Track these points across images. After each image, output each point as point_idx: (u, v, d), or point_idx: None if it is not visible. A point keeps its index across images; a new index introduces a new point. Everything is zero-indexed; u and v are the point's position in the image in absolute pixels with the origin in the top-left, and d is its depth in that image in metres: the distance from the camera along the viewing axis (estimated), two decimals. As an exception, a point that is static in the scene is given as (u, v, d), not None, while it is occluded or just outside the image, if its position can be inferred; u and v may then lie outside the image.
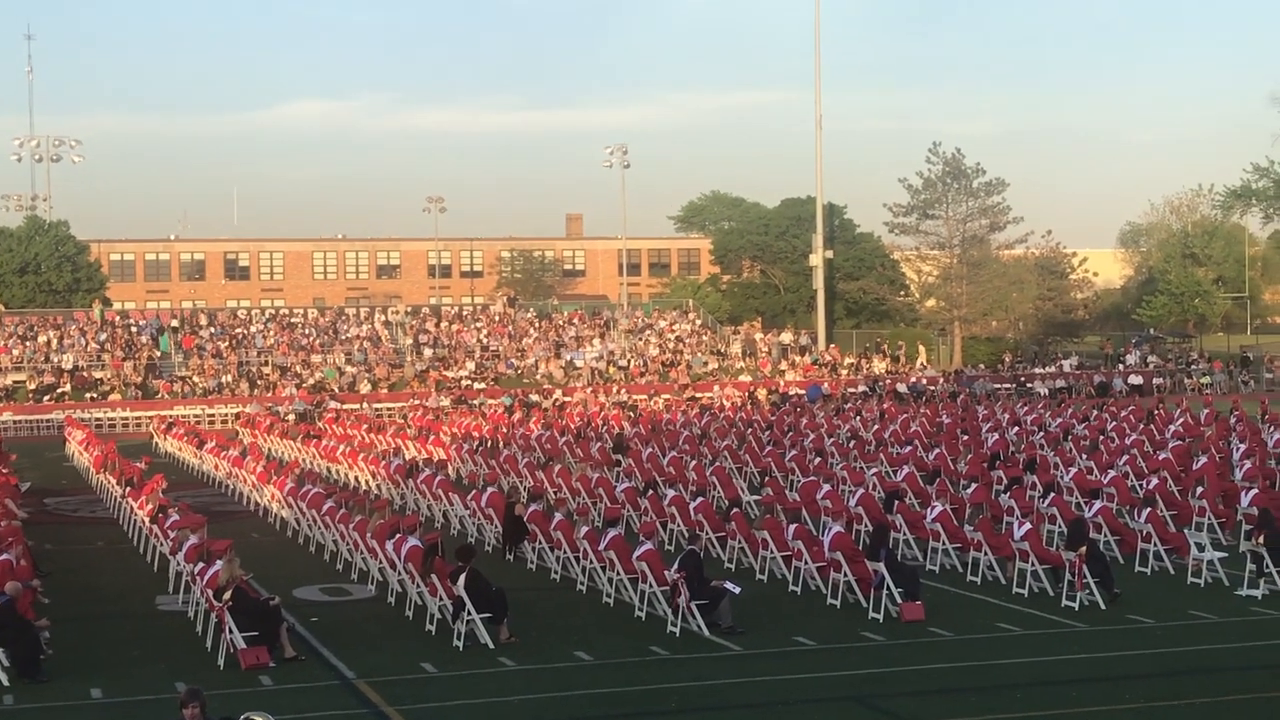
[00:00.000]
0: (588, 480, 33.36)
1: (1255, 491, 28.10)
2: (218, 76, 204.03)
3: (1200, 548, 24.47)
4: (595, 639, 21.08)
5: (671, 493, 30.46)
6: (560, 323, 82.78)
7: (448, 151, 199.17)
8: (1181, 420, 44.65)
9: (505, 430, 49.79)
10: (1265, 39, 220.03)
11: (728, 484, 33.93)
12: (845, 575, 22.81)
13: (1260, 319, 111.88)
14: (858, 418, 49.93)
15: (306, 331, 77.98)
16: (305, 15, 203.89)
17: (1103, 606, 22.19)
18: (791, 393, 67.75)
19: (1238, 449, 36.97)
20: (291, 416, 60.70)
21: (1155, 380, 74.77)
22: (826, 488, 30.11)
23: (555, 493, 32.61)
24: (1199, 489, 29.36)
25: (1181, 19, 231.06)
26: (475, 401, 65.08)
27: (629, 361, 75.36)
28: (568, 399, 65.76)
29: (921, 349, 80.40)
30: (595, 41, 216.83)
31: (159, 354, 72.84)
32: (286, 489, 32.70)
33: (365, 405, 64.60)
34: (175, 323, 77.90)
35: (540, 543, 26.91)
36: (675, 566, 21.73)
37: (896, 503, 28.30)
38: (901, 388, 69.55)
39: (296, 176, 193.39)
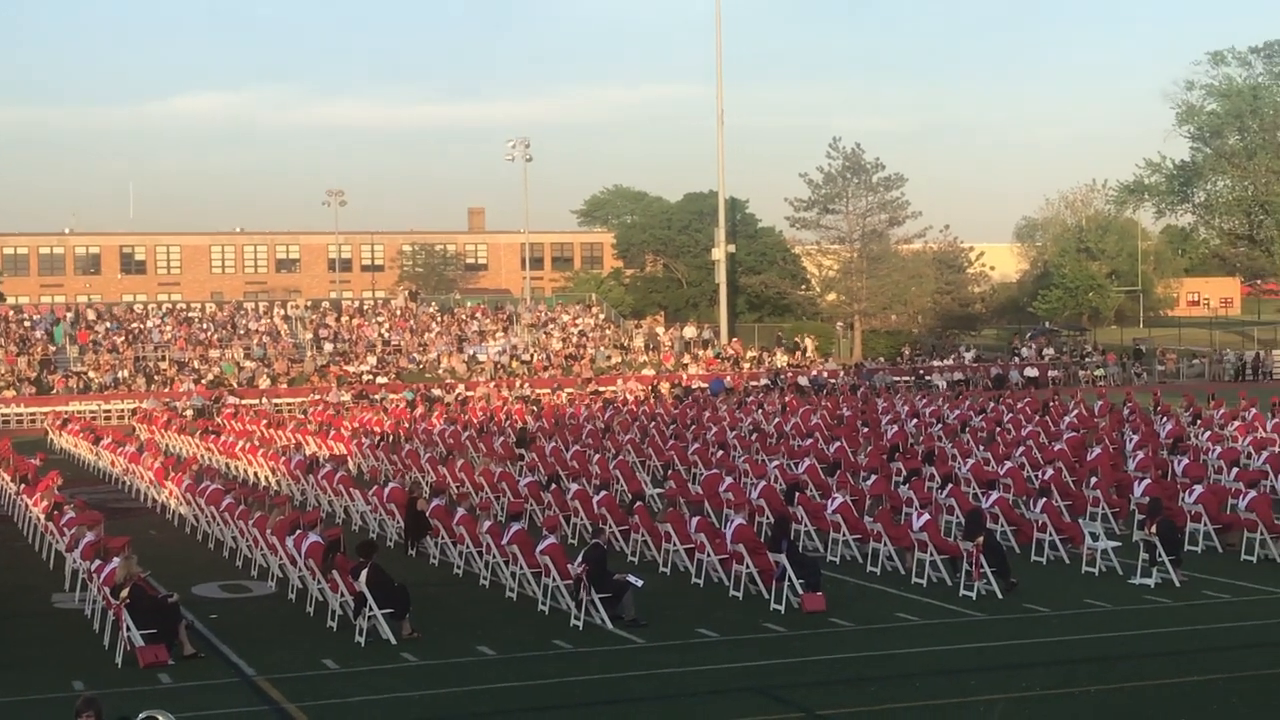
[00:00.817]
0: (491, 475, 33.32)
1: (1147, 481, 28.64)
2: (112, 68, 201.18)
3: (1094, 537, 24.89)
4: (498, 633, 21.07)
5: (575, 486, 30.49)
6: (463, 317, 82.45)
7: (348, 144, 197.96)
8: (1076, 412, 45.37)
9: (407, 425, 49.59)
10: (1158, 37, 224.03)
11: (631, 477, 34.01)
12: (747, 567, 22.96)
13: (1152, 312, 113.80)
14: (760, 411, 50.23)
15: (204, 326, 77.06)
16: (201, 5, 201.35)
17: (1000, 596, 22.51)
18: (694, 386, 68.00)
19: (1131, 440, 37.62)
20: (189, 412, 59.99)
21: (1050, 373, 75.89)
22: (729, 480, 30.31)
23: (458, 487, 32.53)
24: (1093, 479, 29.87)
25: (1077, 17, 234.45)
26: (376, 396, 64.69)
27: (532, 356, 75.24)
28: (470, 393, 65.51)
29: (809, 342, 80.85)
30: (497, 35, 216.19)
31: (54, 349, 71.65)
32: (185, 485, 32.33)
33: (264, 400, 63.94)
34: (70, 316, 76.64)
35: (443, 538, 26.84)
36: (579, 560, 21.78)
37: (798, 495, 28.51)
38: (803, 381, 70.03)
39: (193, 169, 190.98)
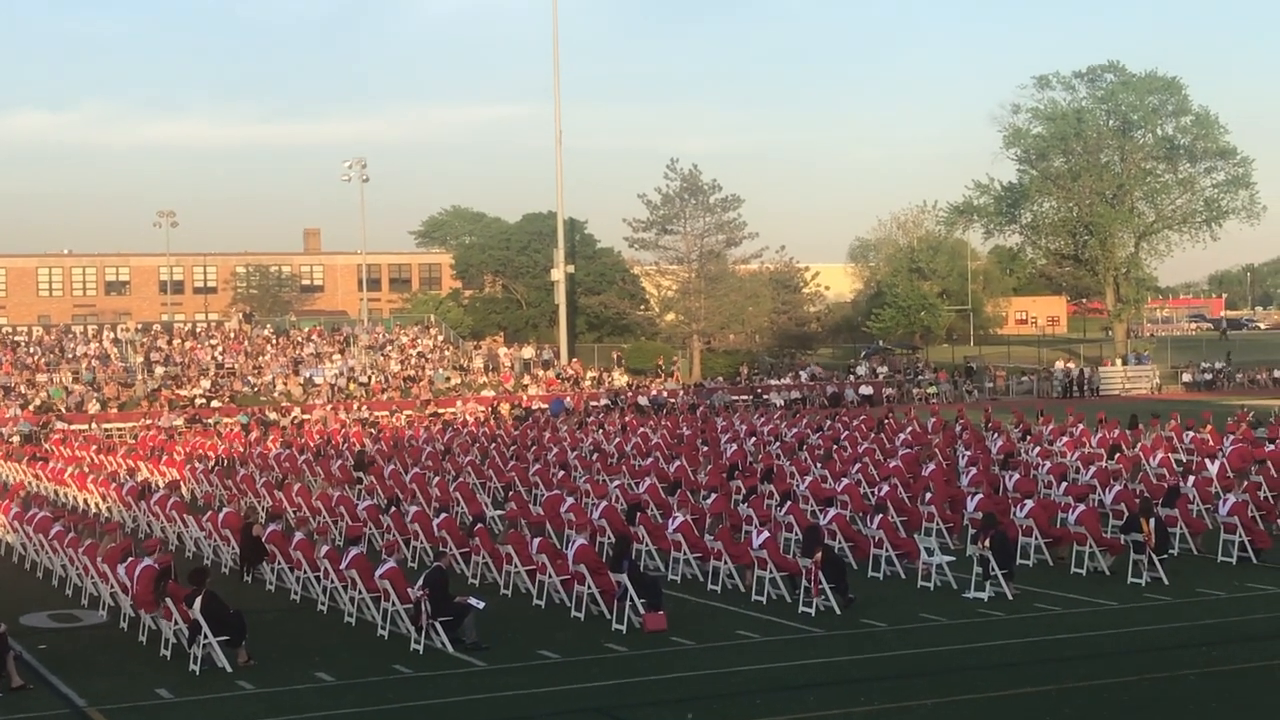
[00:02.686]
0: (328, 498, 32.90)
1: (980, 497, 29.19)
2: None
3: (929, 552, 25.30)
4: (337, 659, 20.78)
5: (414, 509, 30.24)
6: (298, 339, 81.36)
7: (180, 164, 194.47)
8: (910, 429, 46.14)
9: (242, 449, 48.74)
10: (986, 61, 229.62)
11: (471, 499, 33.83)
12: (589, 587, 22.94)
13: (982, 330, 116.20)
14: (600, 431, 50.31)
15: (31, 350, 75.01)
16: (26, 22, 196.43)
17: (838, 611, 22.77)
18: (534, 407, 67.87)
19: (963, 456, 38.38)
20: (16, 438, 58.29)
21: (885, 391, 77.13)
22: (570, 501, 30.28)
23: (295, 512, 32.05)
24: (927, 495, 30.39)
25: (907, 40, 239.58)
26: (210, 420, 63.50)
27: (370, 378, 74.47)
28: (307, 416, 64.66)
29: (669, 362, 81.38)
30: (334, 54, 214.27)
31: None
32: (11, 513, 31.45)
33: (94, 426, 62.41)
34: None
35: (279, 563, 26.41)
36: (419, 584, 21.57)
37: (639, 514, 28.56)
38: (643, 400, 70.29)
39: (19, 190, 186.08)
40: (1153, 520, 25.25)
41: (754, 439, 46.01)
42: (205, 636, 20.09)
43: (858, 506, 30.17)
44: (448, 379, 75.17)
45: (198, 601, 20.24)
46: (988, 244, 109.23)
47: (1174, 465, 36.09)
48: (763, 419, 53.72)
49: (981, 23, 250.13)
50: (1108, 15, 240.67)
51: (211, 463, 43.57)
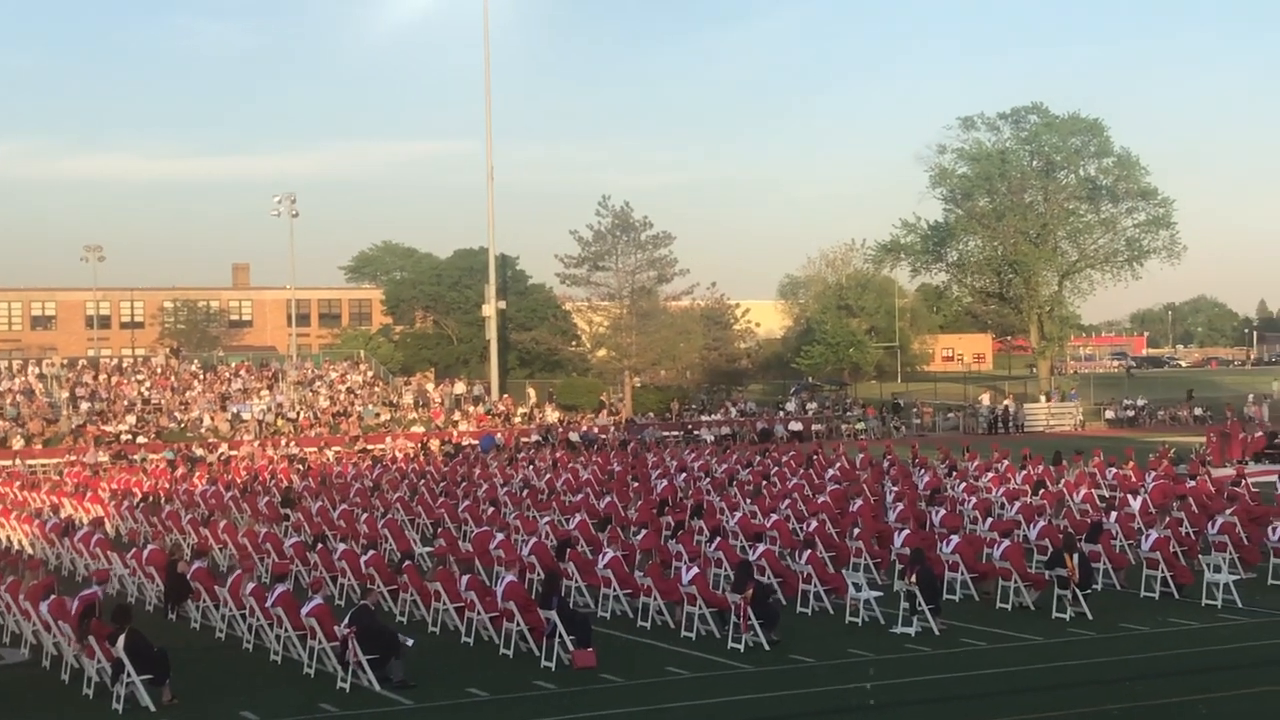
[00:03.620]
0: (255, 536, 32.63)
1: (907, 532, 29.39)
2: None
3: (857, 587, 25.45)
4: (262, 697, 20.62)
5: (342, 546, 30.06)
6: (226, 374, 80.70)
7: (108, 199, 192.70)
8: (839, 465, 46.39)
9: (168, 486, 48.23)
10: (912, 101, 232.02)
11: (400, 536, 33.67)
12: (518, 624, 22.90)
13: (909, 367, 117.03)
14: (530, 467, 50.24)
15: (-48, 385, 73.91)
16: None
17: (766, 647, 22.85)
18: (465, 443, 67.66)
19: (891, 492, 38.62)
20: (-65, 475, 57.39)
21: (814, 427, 77.50)
22: (500, 537, 30.21)
23: (221, 549, 31.79)
24: (855, 531, 30.58)
25: (837, 80, 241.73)
26: (136, 457, 62.80)
27: (298, 413, 73.96)
28: (234, 453, 64.09)
29: (616, 399, 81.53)
30: (264, 88, 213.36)
31: None
32: (-70, 551, 30.92)
33: (18, 462, 61.57)
34: None
35: (204, 600, 26.18)
36: (346, 621, 21.45)
37: (568, 550, 28.55)
38: (574, 436, 70.26)
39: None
40: (1076, 555, 25.56)
41: (684, 475, 46.10)
42: (128, 675, 19.88)
43: (786, 542, 30.28)
44: (377, 415, 74.80)
45: (121, 639, 20.03)
46: (915, 282, 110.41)
47: (1097, 501, 36.53)
48: (693, 455, 53.83)
49: (909, 63, 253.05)
50: (1032, 57, 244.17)
51: (137, 499, 43.09)
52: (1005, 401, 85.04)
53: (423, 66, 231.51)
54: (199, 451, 64.16)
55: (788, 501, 36.23)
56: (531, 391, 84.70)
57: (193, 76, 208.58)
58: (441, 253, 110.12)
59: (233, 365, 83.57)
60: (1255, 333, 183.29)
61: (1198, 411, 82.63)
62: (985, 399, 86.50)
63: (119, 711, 19.71)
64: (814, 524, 31.03)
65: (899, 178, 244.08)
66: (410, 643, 21.59)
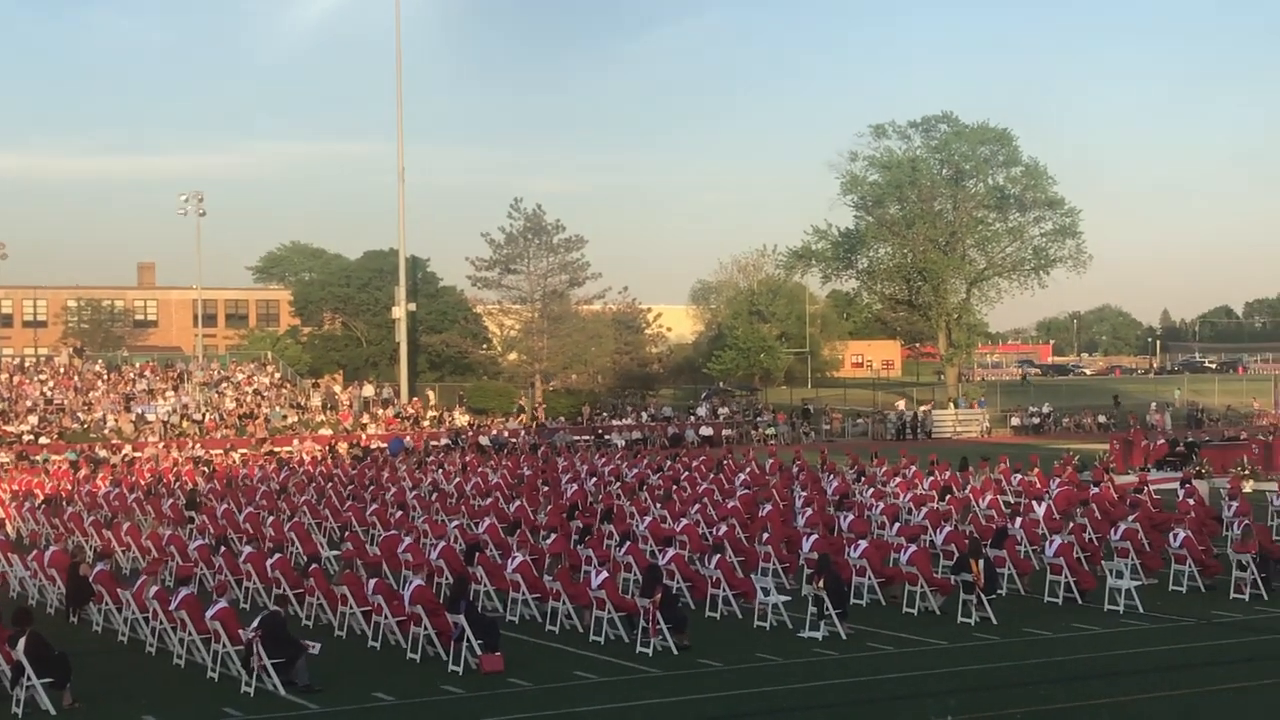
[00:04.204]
0: (159, 538, 32.20)
1: (815, 537, 29.49)
2: None
3: (766, 592, 25.52)
4: (165, 702, 20.34)
5: (248, 549, 29.72)
6: (131, 375, 79.64)
7: (10, 196, 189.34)
8: (749, 470, 46.55)
9: (70, 487, 47.53)
10: (825, 108, 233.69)
11: (306, 539, 33.38)
12: (425, 628, 22.75)
13: (819, 373, 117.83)
14: (440, 470, 49.98)
15: None
16: None
17: (675, 652, 22.84)
18: (373, 446, 67.22)
19: (800, 497, 38.77)
20: None
21: (724, 432, 77.78)
22: (408, 541, 30.00)
23: (124, 551, 31.33)
24: (764, 535, 30.64)
25: (750, 87, 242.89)
26: (38, 457, 61.82)
27: (204, 415, 73.14)
28: (138, 454, 63.27)
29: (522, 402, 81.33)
30: (172, 87, 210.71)
31: None
32: None
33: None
34: None
35: (107, 603, 25.79)
36: (254, 625, 21.20)
37: (477, 554, 28.41)
38: (483, 440, 70.02)
39: None
40: (982, 561, 25.80)
41: (595, 479, 46.05)
42: (28, 678, 19.54)
43: (696, 547, 30.32)
44: (284, 417, 74.14)
45: (21, 642, 19.68)
46: (825, 288, 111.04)
47: (1002, 507, 36.89)
48: (604, 459, 53.79)
49: (822, 71, 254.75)
50: (943, 67, 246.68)
51: (39, 501, 42.43)
52: (925, 406, 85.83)
53: (334, 66, 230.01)
54: (102, 453, 63.30)
55: (697, 506, 36.28)
56: (430, 394, 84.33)
57: (101, 73, 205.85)
58: (351, 254, 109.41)
59: (137, 366, 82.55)
60: (1158, 342, 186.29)
61: (1101, 419, 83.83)
62: (901, 405, 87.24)
63: (19, 715, 19.37)
64: (723, 529, 31.08)
65: (811, 184, 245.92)
66: (316, 648, 21.38)
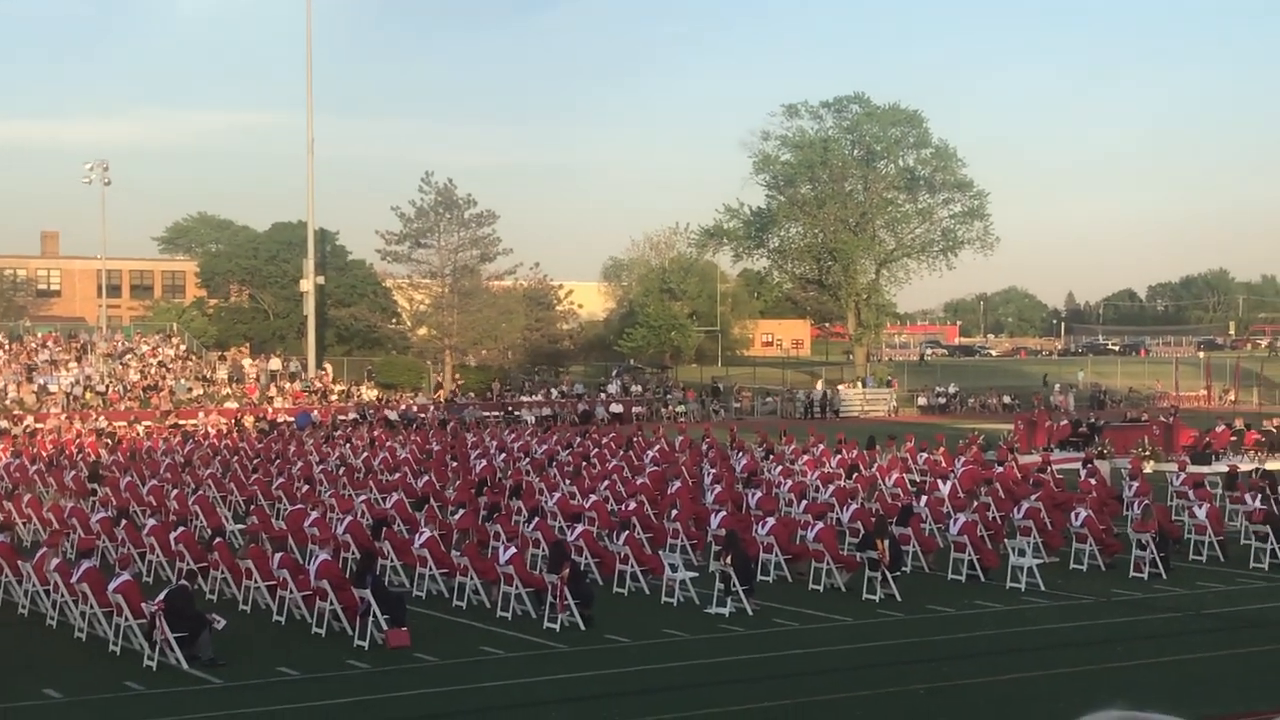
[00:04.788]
0: (60, 510, 31.77)
1: (723, 514, 29.69)
2: None
3: (674, 568, 25.63)
4: (66, 676, 20.09)
5: (151, 522, 29.39)
6: (33, 345, 78.35)
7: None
8: (658, 447, 46.68)
9: (-31, 458, 46.75)
10: (737, 87, 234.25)
11: (211, 513, 33.08)
12: (331, 603, 22.62)
13: (730, 351, 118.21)
14: (347, 445, 49.68)
15: None
16: None
17: (583, 627, 22.89)
18: (280, 420, 66.66)
19: (709, 474, 38.94)
20: None
21: (635, 409, 77.88)
22: (314, 515, 29.80)
23: (25, 523, 30.87)
24: (673, 512, 30.78)
25: (665, 64, 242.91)
26: (-65, 428, 60.73)
27: (107, 386, 72.13)
28: (40, 425, 62.31)
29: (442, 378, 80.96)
30: (78, 52, 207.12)
31: None
32: None
33: None
34: None
35: (6, 576, 25.40)
36: (159, 598, 20.97)
37: (384, 529, 28.30)
38: (392, 415, 69.65)
39: None
40: (887, 539, 26.06)
41: (504, 455, 45.99)
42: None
43: (605, 523, 30.38)
44: (190, 390, 73.32)
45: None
46: (737, 267, 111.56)
47: (908, 485, 37.30)
48: (513, 435, 53.72)
49: (737, 48, 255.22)
50: (855, 47, 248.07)
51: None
52: (849, 387, 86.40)
53: (244, 35, 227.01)
54: (3, 424, 62.31)
55: (607, 483, 36.35)
56: (329, 366, 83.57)
57: (5, 38, 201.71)
58: (259, 225, 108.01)
59: (40, 336, 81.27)
60: (1063, 324, 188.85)
61: (1006, 399, 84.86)
62: (819, 385, 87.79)
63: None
64: (632, 505, 31.19)
65: (724, 163, 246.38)
66: (221, 623, 21.19)
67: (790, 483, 36.69)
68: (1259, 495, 32.12)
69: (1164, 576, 27.19)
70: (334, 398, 75.44)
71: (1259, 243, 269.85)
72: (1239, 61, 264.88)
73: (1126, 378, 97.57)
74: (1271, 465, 43.00)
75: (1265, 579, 27.40)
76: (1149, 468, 41.74)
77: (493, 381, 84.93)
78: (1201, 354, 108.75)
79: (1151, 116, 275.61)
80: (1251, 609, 24.58)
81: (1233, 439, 49.98)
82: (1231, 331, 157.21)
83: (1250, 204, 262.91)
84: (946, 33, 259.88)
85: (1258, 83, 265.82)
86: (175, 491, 35.52)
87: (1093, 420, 57.02)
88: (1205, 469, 41.15)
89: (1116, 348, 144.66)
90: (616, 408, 77.06)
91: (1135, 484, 34.14)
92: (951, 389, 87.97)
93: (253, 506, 34.77)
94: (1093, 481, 35.00)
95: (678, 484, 35.32)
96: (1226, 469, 39.39)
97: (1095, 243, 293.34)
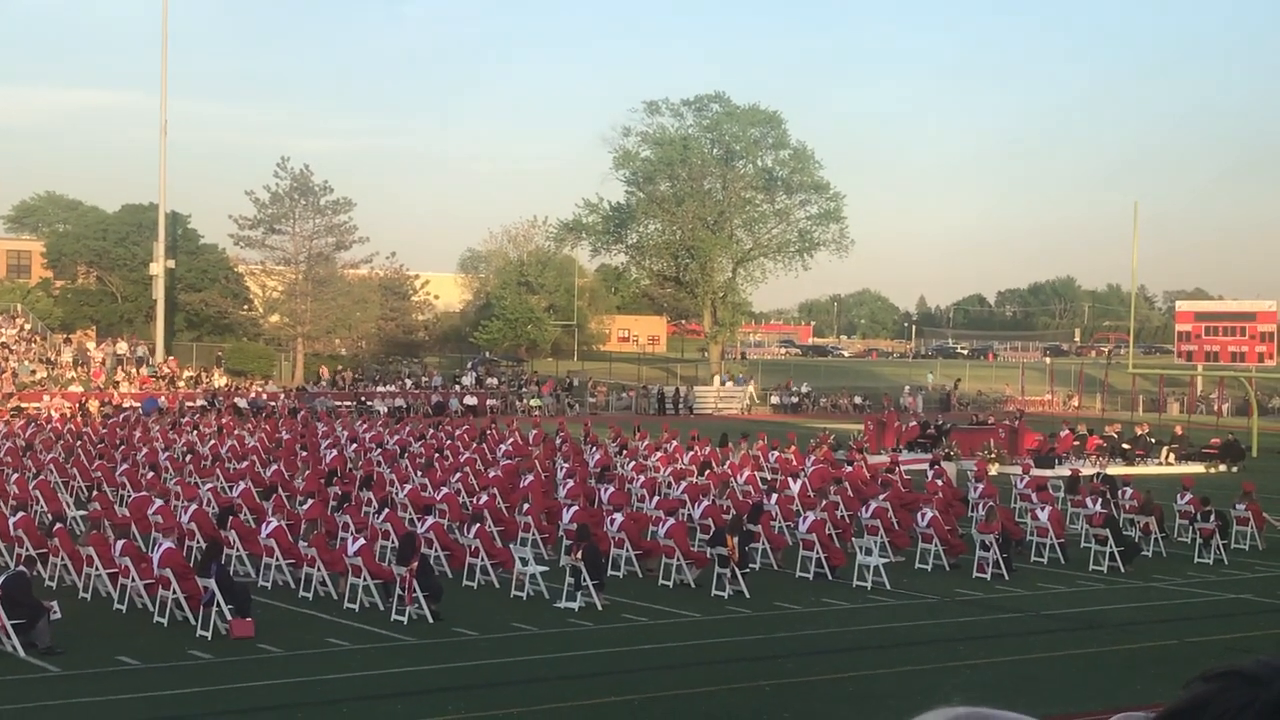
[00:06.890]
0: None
1: (576, 509, 29.69)
2: None
3: (524, 562, 25.58)
4: (-107, 665, 19.47)
5: (-12, 508, 28.64)
6: None
7: None
8: (512, 440, 46.57)
9: None
10: (599, 84, 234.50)
11: (52, 498, 32.33)
12: (174, 592, 22.22)
13: (586, 346, 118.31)
14: (195, 432, 48.83)
15: None
16: None
17: (430, 620, 22.75)
18: (126, 405, 65.29)
19: (562, 468, 38.96)
20: None
21: (489, 401, 77.57)
22: (159, 503, 29.27)
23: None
24: (525, 506, 30.73)
25: (526, 55, 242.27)
26: None
27: (-54, 367, 70.13)
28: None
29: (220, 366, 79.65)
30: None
31: None
32: None
33: None
34: None
35: None
36: (-9, 585, 20.43)
37: (231, 518, 27.86)
38: (241, 402, 68.61)
39: None
40: (737, 536, 26.25)
41: (355, 445, 45.54)
42: None
43: (456, 515, 30.23)
44: (33, 372, 71.53)
45: None
46: (595, 262, 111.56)
47: (759, 483, 37.62)
48: (365, 425, 53.21)
49: (598, 43, 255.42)
50: (719, 46, 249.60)
51: None
52: (676, 383, 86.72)
53: (95, 11, 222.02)
54: None
55: (459, 475, 36.17)
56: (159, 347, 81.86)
57: None
58: (109, 207, 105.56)
59: (-126, 314, 78.67)
60: (914, 327, 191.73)
61: (858, 400, 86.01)
62: (680, 384, 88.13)
63: None
64: (484, 498, 31.09)
65: (583, 157, 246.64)
66: (56, 614, 20.69)
67: (643, 478, 36.83)
68: (1100, 499, 32.90)
69: (1006, 577, 27.74)
70: (182, 384, 74.08)
71: (1106, 252, 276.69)
72: (1092, 75, 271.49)
73: (975, 381, 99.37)
74: (1112, 470, 44.15)
75: (1104, 581, 28.10)
76: (994, 470, 42.64)
77: (343, 371, 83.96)
78: (1047, 359, 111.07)
79: (1005, 126, 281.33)
80: (1090, 610, 25.17)
81: (1075, 443, 51.26)
82: (1077, 338, 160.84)
83: (1099, 214, 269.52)
84: (806, 35, 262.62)
85: (1109, 95, 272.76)
86: (16, 476, 34.67)
87: (940, 422, 58.03)
88: (1048, 472, 42.11)
89: (965, 351, 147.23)
90: (471, 400, 76.68)
91: (980, 486, 34.82)
92: (804, 388, 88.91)
93: (95, 492, 34.09)
94: (939, 483, 35.64)
95: (530, 478, 35.26)
96: (1069, 473, 40.34)
97: (947, 248, 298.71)
